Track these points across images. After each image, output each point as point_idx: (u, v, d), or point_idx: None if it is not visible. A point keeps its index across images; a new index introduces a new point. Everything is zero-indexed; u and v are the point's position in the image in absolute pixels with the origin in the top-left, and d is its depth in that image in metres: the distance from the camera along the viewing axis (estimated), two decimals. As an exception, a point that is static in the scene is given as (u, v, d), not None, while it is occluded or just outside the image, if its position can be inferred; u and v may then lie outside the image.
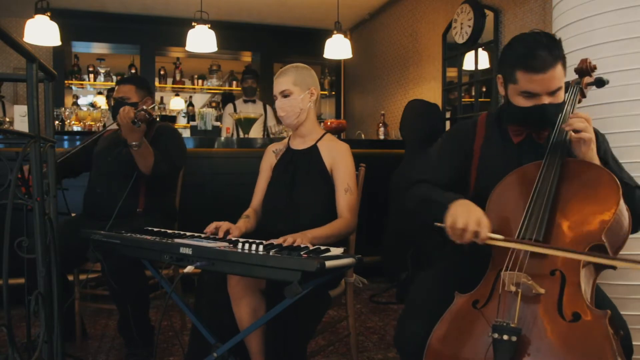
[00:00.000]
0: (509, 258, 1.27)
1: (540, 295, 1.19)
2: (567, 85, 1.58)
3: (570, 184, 1.35)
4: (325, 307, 1.92)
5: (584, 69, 1.60)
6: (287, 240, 1.55)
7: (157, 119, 2.94)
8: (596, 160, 1.38)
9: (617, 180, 1.29)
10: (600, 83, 1.60)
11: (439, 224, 1.36)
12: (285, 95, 1.95)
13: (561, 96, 1.46)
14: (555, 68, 1.40)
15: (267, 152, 2.12)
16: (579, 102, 1.60)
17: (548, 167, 1.37)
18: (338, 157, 1.94)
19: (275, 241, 1.56)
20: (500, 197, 1.43)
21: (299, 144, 2.03)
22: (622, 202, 1.28)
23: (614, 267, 1.31)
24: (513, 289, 1.20)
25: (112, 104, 2.69)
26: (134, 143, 2.23)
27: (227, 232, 1.78)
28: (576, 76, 1.63)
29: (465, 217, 1.32)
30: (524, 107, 1.45)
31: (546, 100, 1.42)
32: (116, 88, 2.64)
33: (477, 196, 1.53)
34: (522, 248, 1.27)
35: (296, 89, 1.95)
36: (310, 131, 2.02)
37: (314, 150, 1.98)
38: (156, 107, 6.20)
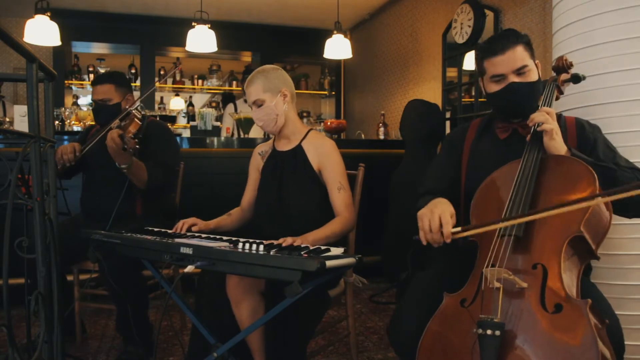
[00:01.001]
0: (490, 255, 1.30)
1: (524, 290, 1.21)
2: (545, 82, 1.64)
3: (548, 179, 1.38)
4: (325, 307, 1.92)
5: (560, 67, 1.66)
6: (287, 240, 1.55)
7: (157, 117, 2.87)
8: (562, 149, 1.42)
9: (593, 172, 1.31)
10: (576, 79, 1.66)
11: (416, 237, 1.39)
12: (258, 105, 1.92)
13: (531, 76, 1.52)
14: (515, 49, 1.50)
15: (254, 154, 2.11)
16: (557, 98, 1.65)
17: (527, 163, 1.41)
18: (325, 157, 1.92)
19: (275, 242, 1.56)
20: (484, 196, 1.47)
21: (284, 145, 2.01)
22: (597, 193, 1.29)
23: (597, 258, 1.33)
24: (496, 285, 1.22)
25: (92, 107, 2.47)
26: (123, 165, 2.12)
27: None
28: (554, 74, 1.68)
29: (428, 216, 1.35)
30: (496, 90, 1.54)
31: (514, 79, 1.51)
32: (92, 89, 2.41)
33: (467, 194, 1.57)
34: (487, 229, 1.31)
35: (267, 96, 1.91)
36: (293, 131, 1.99)
37: (299, 151, 1.95)
38: (156, 109, 6.22)
